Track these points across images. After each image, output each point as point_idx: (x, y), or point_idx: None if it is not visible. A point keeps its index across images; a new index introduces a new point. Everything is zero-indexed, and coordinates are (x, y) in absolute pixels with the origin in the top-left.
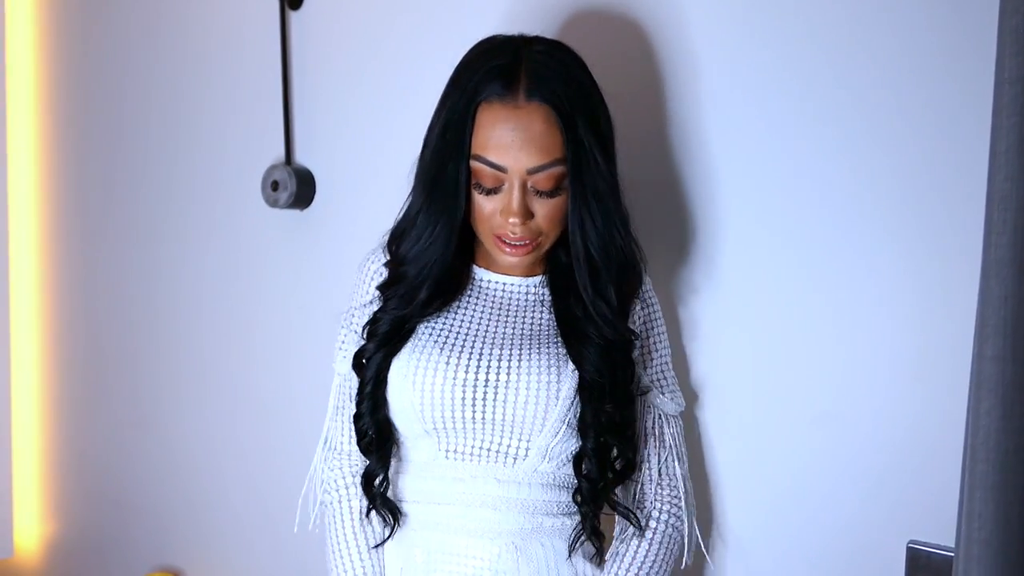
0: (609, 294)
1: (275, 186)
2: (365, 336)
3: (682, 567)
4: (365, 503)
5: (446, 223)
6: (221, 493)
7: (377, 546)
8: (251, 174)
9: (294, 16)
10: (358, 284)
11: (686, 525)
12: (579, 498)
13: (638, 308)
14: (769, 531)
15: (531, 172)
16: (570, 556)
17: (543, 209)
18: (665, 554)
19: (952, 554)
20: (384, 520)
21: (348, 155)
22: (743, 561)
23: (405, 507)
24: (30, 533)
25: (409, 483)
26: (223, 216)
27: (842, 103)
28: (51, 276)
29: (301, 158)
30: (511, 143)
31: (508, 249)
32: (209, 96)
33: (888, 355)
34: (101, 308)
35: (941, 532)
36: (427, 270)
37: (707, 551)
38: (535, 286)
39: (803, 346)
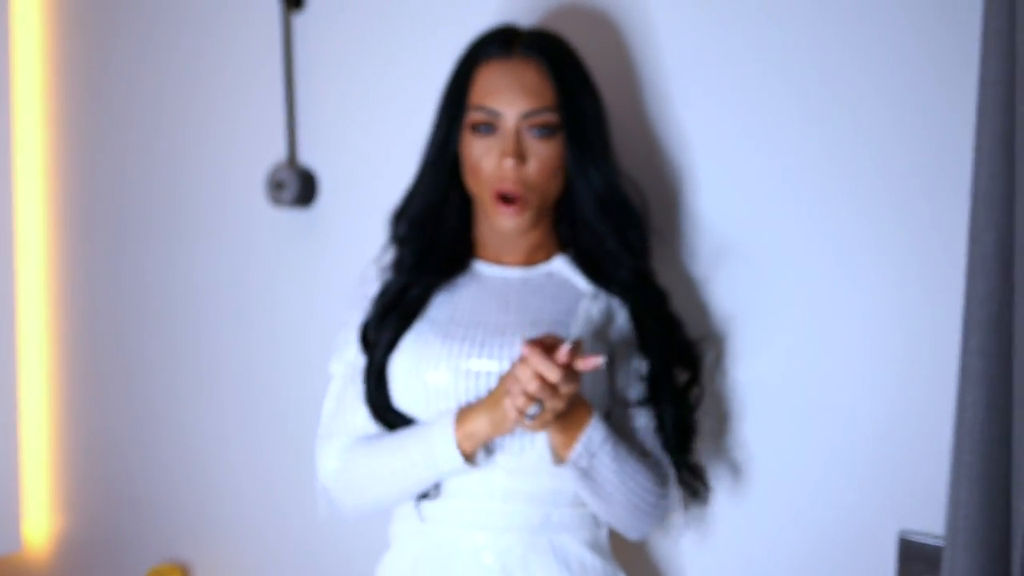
0: (622, 232)
1: (278, 185)
2: (371, 305)
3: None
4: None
5: (440, 169)
6: (228, 487)
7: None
8: (254, 174)
9: (296, 16)
10: (356, 301)
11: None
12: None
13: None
14: (762, 522)
15: (525, 116)
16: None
17: (536, 156)
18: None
19: (943, 543)
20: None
21: (351, 154)
22: (736, 552)
23: (414, 504)
24: (38, 527)
25: None
26: (227, 215)
27: (826, 102)
28: (57, 271)
29: (304, 158)
30: (506, 88)
31: (508, 210)
32: (212, 96)
33: (877, 349)
34: (107, 303)
35: (933, 522)
36: (426, 216)
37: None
38: (535, 276)
39: (793, 340)
